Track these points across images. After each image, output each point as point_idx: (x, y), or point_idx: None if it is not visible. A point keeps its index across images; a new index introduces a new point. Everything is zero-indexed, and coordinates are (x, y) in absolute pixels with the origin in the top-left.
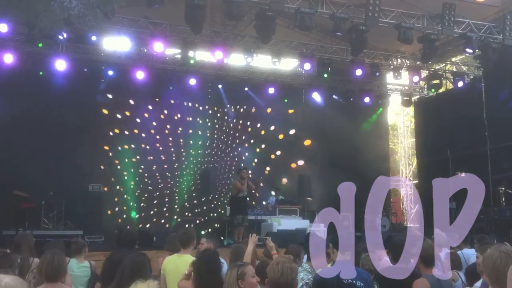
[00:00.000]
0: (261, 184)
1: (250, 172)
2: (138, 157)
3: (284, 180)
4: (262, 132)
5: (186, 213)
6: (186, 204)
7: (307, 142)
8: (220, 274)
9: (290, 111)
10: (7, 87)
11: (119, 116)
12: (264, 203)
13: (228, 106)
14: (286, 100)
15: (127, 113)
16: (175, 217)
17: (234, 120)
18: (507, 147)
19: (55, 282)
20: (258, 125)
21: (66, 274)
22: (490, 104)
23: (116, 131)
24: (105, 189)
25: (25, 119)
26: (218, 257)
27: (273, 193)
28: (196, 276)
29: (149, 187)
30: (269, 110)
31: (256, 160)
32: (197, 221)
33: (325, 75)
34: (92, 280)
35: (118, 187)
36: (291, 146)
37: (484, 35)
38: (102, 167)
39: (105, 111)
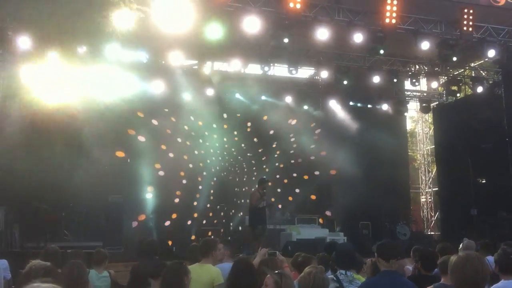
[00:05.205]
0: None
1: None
2: (156, 166)
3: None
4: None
5: (205, 222)
6: (205, 213)
7: (324, 152)
8: (254, 284)
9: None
10: None
11: (135, 127)
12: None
13: (246, 115)
14: (306, 107)
15: (146, 123)
16: (194, 227)
17: (252, 129)
18: None
19: None
20: (275, 133)
21: (87, 286)
22: (510, 109)
23: (135, 140)
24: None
25: (45, 131)
26: (252, 267)
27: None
28: (230, 285)
29: (168, 197)
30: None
31: (275, 170)
32: (216, 231)
33: (345, 82)
34: None
35: (137, 198)
36: (310, 156)
37: (503, 39)
38: (121, 178)
39: (123, 121)
